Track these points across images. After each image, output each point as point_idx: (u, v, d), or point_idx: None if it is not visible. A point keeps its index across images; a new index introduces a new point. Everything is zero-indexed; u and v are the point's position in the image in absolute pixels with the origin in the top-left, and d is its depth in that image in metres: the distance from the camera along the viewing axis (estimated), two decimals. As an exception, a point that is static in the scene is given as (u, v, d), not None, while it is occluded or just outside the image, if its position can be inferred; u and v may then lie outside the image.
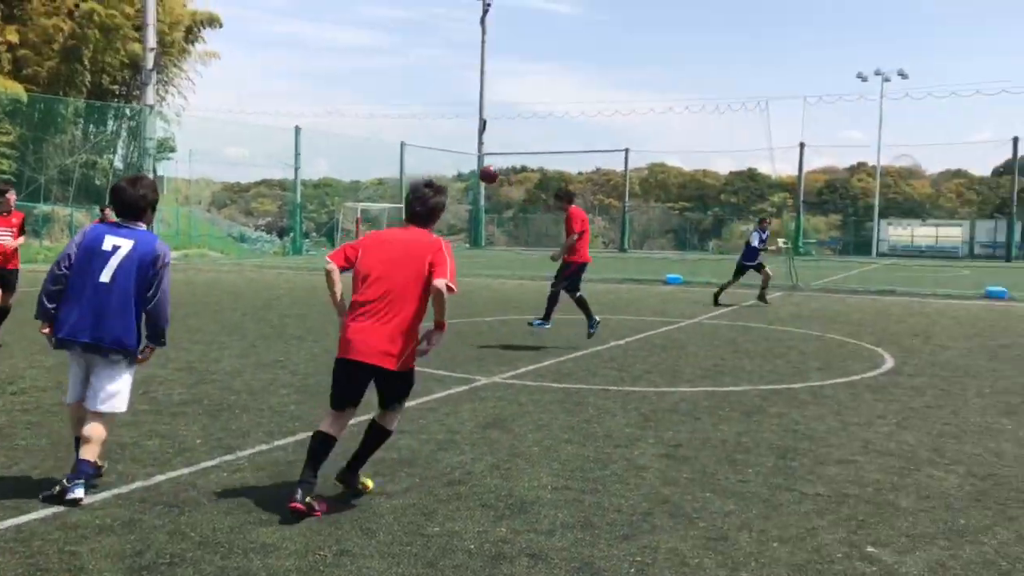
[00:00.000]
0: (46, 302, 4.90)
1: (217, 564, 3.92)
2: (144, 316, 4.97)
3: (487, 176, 13.98)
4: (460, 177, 59.27)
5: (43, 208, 33.23)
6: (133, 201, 4.96)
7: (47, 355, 9.54)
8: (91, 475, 4.79)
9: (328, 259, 4.95)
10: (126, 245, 4.85)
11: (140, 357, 5.05)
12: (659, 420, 6.97)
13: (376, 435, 5.03)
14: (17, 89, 33.12)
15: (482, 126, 49.96)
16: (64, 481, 4.66)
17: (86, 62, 35.82)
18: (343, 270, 4.91)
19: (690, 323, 13.96)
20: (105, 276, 4.79)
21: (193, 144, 42.72)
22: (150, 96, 31.61)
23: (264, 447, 5.93)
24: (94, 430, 4.80)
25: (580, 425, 6.76)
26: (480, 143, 50.26)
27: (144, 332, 5.05)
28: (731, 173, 68.61)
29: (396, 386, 4.97)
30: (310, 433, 6.27)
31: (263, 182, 63.72)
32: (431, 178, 4.93)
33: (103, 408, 4.86)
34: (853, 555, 4.22)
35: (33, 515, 4.47)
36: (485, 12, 49.50)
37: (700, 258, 42.07)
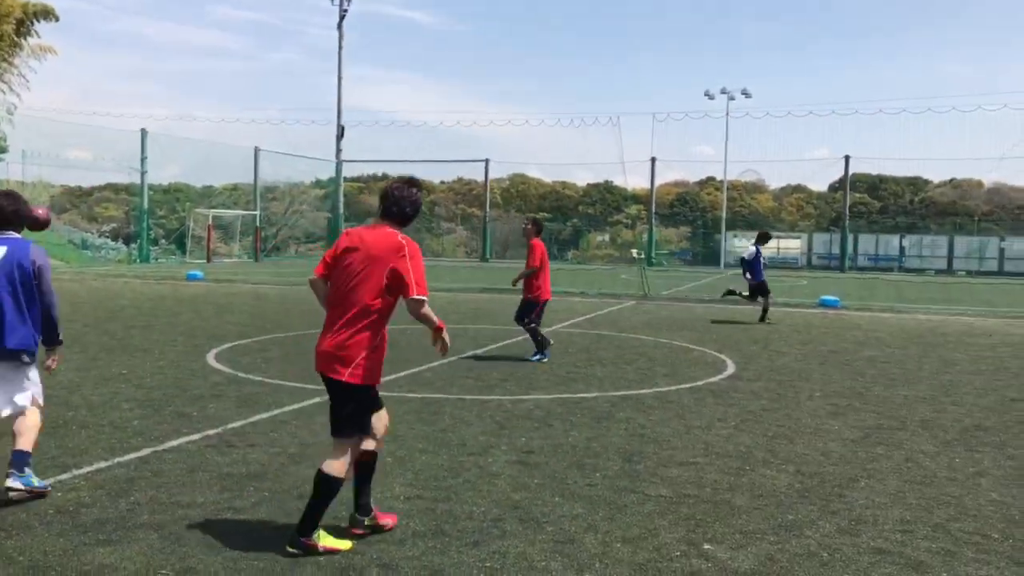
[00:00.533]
0: None
1: (48, 589, 3.74)
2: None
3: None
4: (319, 184, 58.14)
5: None
6: None
7: None
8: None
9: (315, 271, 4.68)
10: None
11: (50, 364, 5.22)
12: (513, 427, 7.12)
13: (361, 464, 4.56)
14: None
15: (340, 132, 49.22)
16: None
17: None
18: (325, 278, 4.63)
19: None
20: None
21: (28, 144, 39.89)
22: (-24, 91, 29.34)
23: (103, 464, 5.67)
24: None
25: (435, 434, 6.82)
26: (339, 149, 49.47)
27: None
28: (589, 185, 70.57)
29: (342, 400, 4.45)
30: (154, 448, 6.08)
31: (108, 186, 60.22)
32: (411, 176, 4.69)
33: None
34: (691, 552, 4.47)
35: None
36: (342, 18, 48.81)
37: (559, 267, 42.99)
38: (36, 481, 4.95)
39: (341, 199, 50.41)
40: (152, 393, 8.10)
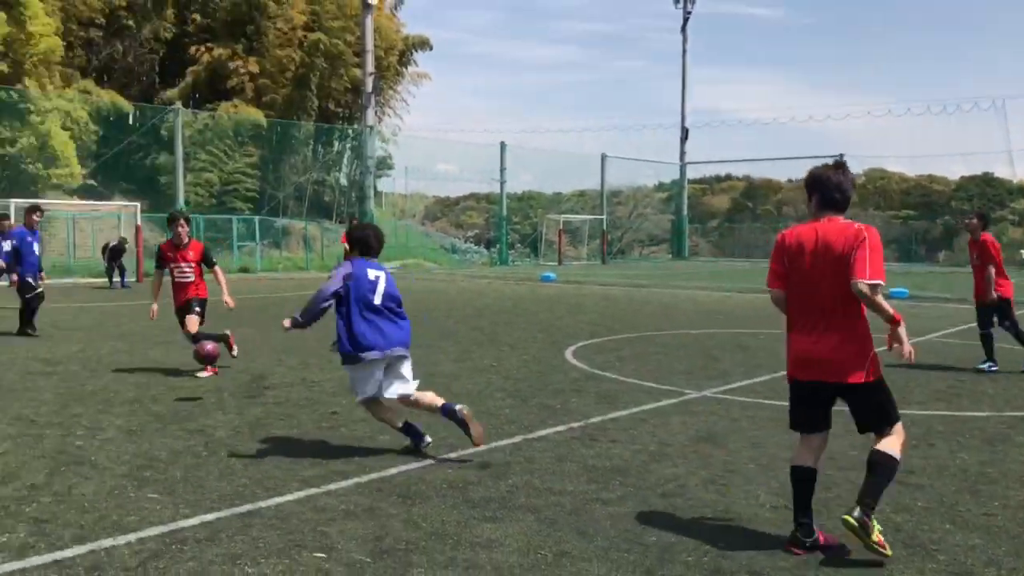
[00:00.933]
0: None
1: (447, 554, 4.20)
2: None
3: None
4: (662, 187, 58.65)
5: (281, 222, 36.46)
6: None
7: (290, 354, 10.54)
8: None
9: (768, 287, 4.56)
10: None
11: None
12: (885, 442, 6.59)
13: (876, 464, 4.34)
14: (258, 115, 36.65)
15: (684, 135, 49.26)
16: None
17: (314, 88, 38.97)
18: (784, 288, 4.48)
19: (919, 340, 13.00)
20: None
21: (408, 161, 45.25)
22: (370, 117, 33.90)
23: (483, 448, 6.22)
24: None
25: (798, 443, 6.54)
26: (682, 152, 49.56)
27: None
28: (963, 178, 63.21)
29: (865, 398, 4.35)
30: (525, 436, 6.56)
31: (471, 196, 66.32)
32: (837, 159, 4.57)
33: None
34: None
35: (289, 497, 4.99)
36: (685, 20, 48.85)
37: (928, 271, 39.12)
38: None
39: (685, 201, 50.42)
40: (519, 385, 8.74)
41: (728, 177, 75.58)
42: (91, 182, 32.55)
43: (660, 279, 28.70)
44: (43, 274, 12.88)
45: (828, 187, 4.42)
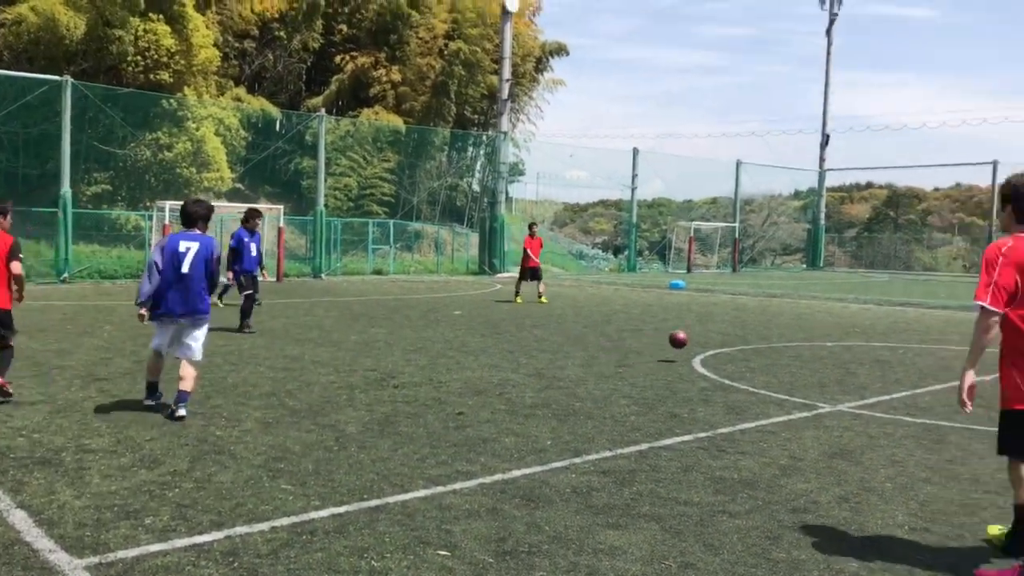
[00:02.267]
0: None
1: (570, 559, 4.18)
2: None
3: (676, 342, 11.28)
4: (798, 195, 56.64)
5: (414, 226, 37.45)
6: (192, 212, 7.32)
7: (420, 354, 10.81)
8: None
9: (987, 304, 4.13)
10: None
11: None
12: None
13: None
14: (397, 122, 37.78)
15: (824, 140, 47.42)
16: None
17: (452, 95, 39.83)
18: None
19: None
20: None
21: (540, 167, 45.52)
22: (504, 124, 34.34)
23: (608, 454, 6.18)
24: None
25: (941, 465, 6.18)
26: (822, 159, 47.70)
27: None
28: None
29: None
30: (650, 444, 6.47)
31: (600, 202, 66.05)
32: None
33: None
34: None
35: (415, 494, 5.11)
36: (831, 22, 47.03)
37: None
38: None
39: (823, 209, 48.53)
40: (645, 392, 8.63)
41: (869, 185, 72.22)
42: (239, 185, 34.43)
43: (793, 289, 27.70)
44: (264, 272, 13.95)
45: None
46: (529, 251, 20.00)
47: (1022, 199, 4.21)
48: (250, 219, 13.49)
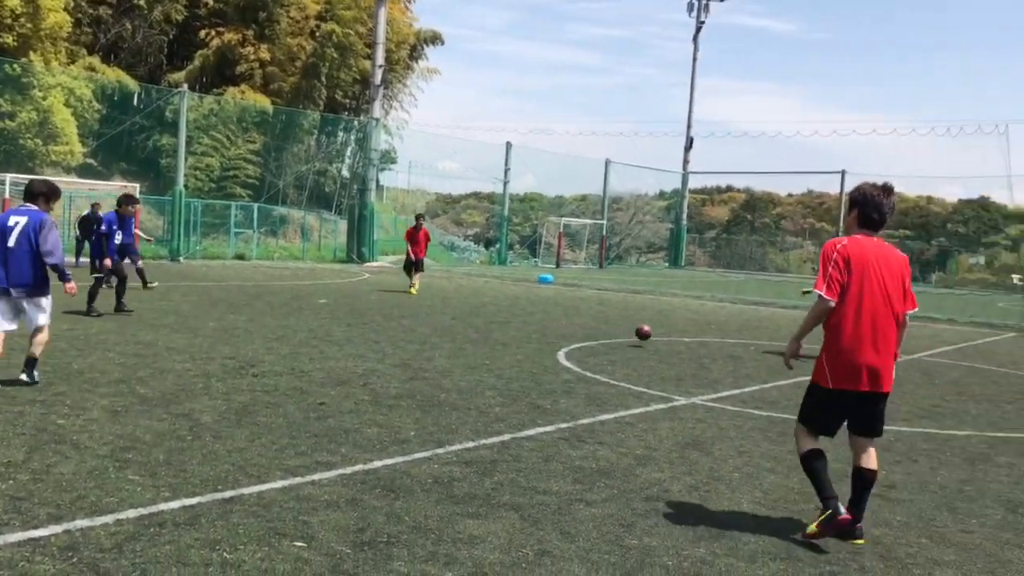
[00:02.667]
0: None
1: (428, 549, 4.19)
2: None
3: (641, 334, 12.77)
4: (663, 195, 58.70)
5: (280, 210, 36.39)
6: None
7: (281, 343, 10.53)
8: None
9: (824, 294, 4.64)
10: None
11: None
12: (871, 458, 6.61)
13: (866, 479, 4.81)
14: (265, 102, 36.59)
15: (688, 144, 49.36)
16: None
17: (323, 78, 38.91)
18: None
19: (908, 359, 13.07)
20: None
21: (412, 156, 45.16)
22: (377, 110, 33.87)
23: (471, 444, 6.22)
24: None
25: (784, 455, 6.55)
26: (686, 161, 49.63)
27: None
28: (960, 201, 63.40)
29: (880, 405, 4.78)
30: (513, 435, 6.56)
31: (473, 194, 66.23)
32: (885, 183, 4.82)
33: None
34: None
35: (272, 485, 4.98)
36: (698, 29, 48.95)
37: (921, 291, 39.11)
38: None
39: (685, 210, 50.47)
40: (510, 384, 8.74)
41: (729, 188, 75.69)
42: (90, 161, 32.45)
43: (656, 286, 28.71)
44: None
45: (869, 206, 4.73)
46: (413, 242, 19.86)
47: (867, 205, 4.72)
48: (121, 204, 13.49)
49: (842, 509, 4.59)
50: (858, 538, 4.61)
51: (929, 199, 65.41)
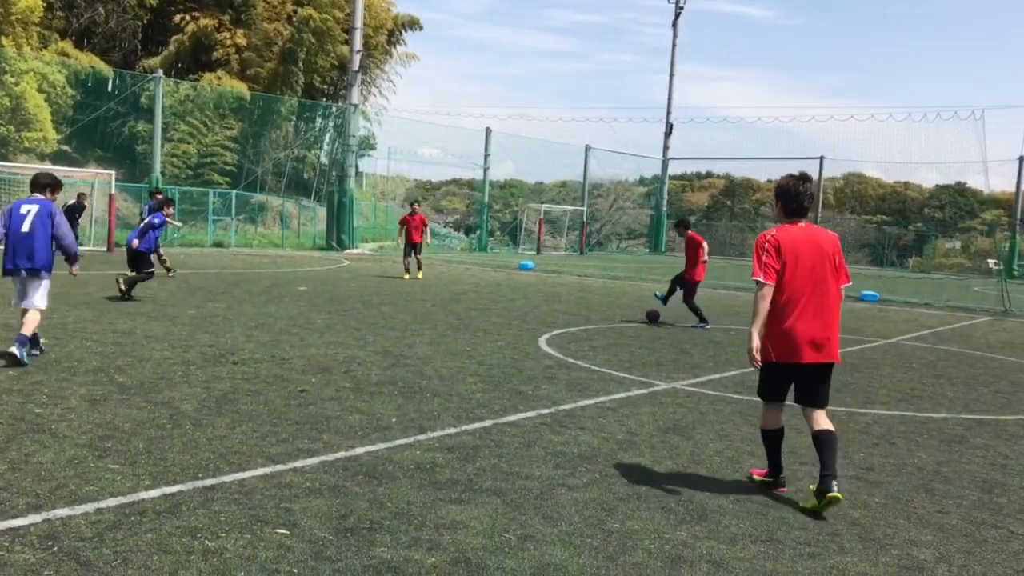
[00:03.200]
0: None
1: (411, 534, 4.19)
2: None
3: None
4: (643, 181, 58.81)
5: (259, 197, 36.11)
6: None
7: (262, 331, 10.47)
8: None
9: (762, 279, 5.02)
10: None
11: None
12: (849, 441, 6.68)
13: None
14: (241, 88, 36.24)
15: (668, 130, 49.45)
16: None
17: (300, 64, 38.58)
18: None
19: (886, 343, 13.22)
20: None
21: (391, 142, 44.93)
22: (355, 96, 33.63)
23: (453, 430, 6.22)
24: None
25: (764, 438, 6.60)
26: (666, 147, 49.74)
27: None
28: (937, 187, 63.96)
29: (826, 377, 5.20)
30: (495, 420, 6.57)
31: (453, 181, 66.10)
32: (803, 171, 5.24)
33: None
34: (1068, 603, 3.89)
35: (253, 472, 4.96)
36: (677, 15, 48.99)
37: (899, 275, 39.54)
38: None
39: (665, 196, 50.60)
40: (492, 370, 8.74)
41: (709, 175, 75.91)
42: (65, 148, 32.03)
43: (636, 272, 28.80)
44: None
45: (787, 197, 5.19)
46: (410, 227, 20.39)
47: (786, 197, 5.18)
48: (163, 206, 14.76)
49: (784, 484, 5.31)
50: (836, 493, 4.82)
51: (907, 184, 65.94)
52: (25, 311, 7.84)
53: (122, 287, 12.87)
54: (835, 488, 4.81)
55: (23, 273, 7.82)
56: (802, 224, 5.14)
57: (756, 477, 5.41)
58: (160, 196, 16.10)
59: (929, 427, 7.38)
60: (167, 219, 14.87)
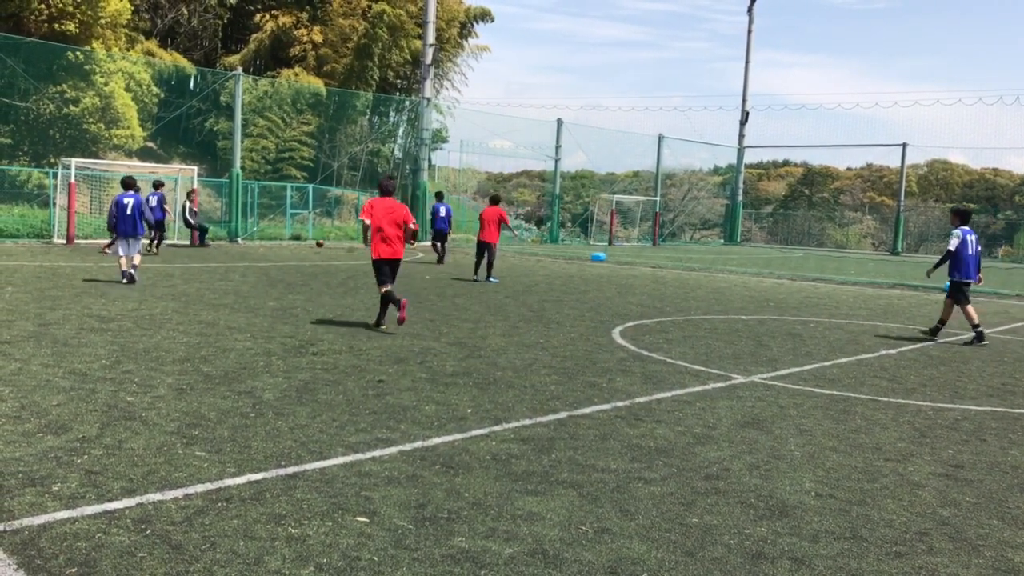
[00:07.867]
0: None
1: (488, 525, 4.22)
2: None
3: None
4: (717, 171, 57.77)
5: (335, 191, 36.78)
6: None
7: (340, 321, 10.67)
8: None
9: (364, 219, 10.16)
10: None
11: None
12: (936, 437, 6.46)
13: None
14: (318, 84, 36.89)
15: (744, 118, 48.45)
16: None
17: (375, 59, 39.04)
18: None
19: (970, 335, 12.71)
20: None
21: (463, 135, 45.17)
22: (428, 89, 33.90)
23: (527, 422, 6.24)
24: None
25: (846, 434, 6.44)
26: (741, 135, 48.75)
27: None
28: (1029, 173, 61.16)
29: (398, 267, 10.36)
30: (569, 413, 6.56)
31: (523, 173, 66.09)
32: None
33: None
34: None
35: (334, 461, 5.07)
36: (753, 1, 47.88)
37: (988, 266, 37.89)
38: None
39: (740, 186, 49.67)
40: (566, 362, 8.73)
41: (786, 163, 74.20)
42: (151, 144, 33.16)
43: (711, 263, 28.35)
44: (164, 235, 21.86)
45: (381, 188, 10.32)
46: (483, 223, 17.82)
47: (380, 187, 10.38)
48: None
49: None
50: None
51: (995, 171, 63.28)
52: (131, 258, 13.90)
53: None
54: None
55: (138, 236, 14.11)
56: (388, 199, 10.28)
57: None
58: (162, 189, 21.14)
59: (1023, 423, 7.07)
60: (165, 210, 21.12)
